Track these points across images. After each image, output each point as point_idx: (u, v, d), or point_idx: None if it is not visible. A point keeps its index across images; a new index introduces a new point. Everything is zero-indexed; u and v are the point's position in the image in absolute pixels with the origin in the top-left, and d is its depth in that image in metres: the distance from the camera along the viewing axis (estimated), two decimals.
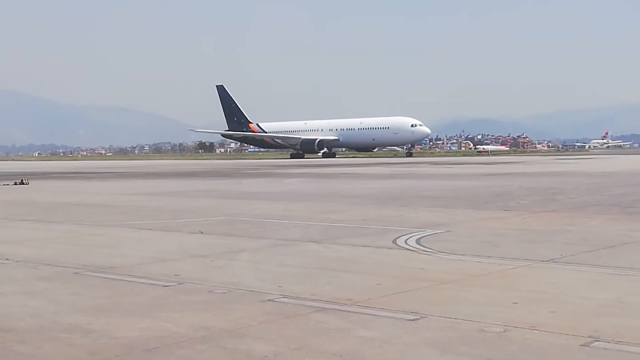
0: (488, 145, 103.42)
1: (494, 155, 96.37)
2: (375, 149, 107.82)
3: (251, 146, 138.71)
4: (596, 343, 5.23)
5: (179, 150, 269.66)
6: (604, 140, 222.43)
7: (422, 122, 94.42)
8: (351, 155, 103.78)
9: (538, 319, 5.95)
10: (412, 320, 5.99)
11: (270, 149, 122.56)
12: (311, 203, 18.85)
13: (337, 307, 6.50)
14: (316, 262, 9.21)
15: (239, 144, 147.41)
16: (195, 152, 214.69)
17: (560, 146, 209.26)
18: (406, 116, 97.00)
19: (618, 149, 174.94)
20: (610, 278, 7.74)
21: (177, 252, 10.15)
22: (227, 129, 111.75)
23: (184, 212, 16.48)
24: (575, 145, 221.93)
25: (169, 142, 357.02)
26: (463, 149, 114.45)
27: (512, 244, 10.42)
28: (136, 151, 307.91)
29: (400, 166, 50.82)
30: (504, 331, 5.59)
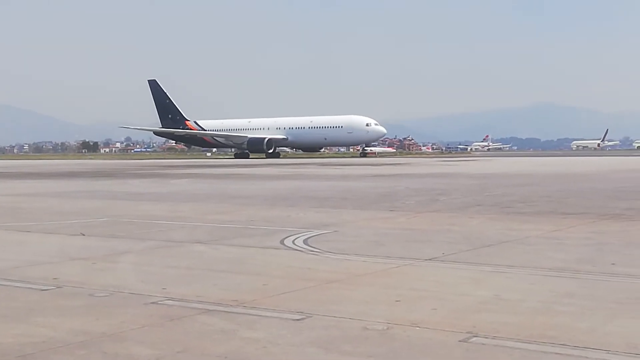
0: (375, 146, 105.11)
1: (381, 156, 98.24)
2: (322, 149, 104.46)
3: (193, 146, 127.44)
4: (474, 338, 5.40)
5: (61, 150, 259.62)
6: (485, 143, 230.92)
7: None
8: (297, 155, 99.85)
9: (419, 316, 6.09)
10: (298, 320, 6.00)
11: (210, 148, 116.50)
12: (199, 204, 18.63)
13: (222, 308, 6.44)
14: (202, 263, 9.10)
15: (174, 142, 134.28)
16: (79, 152, 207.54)
17: (444, 148, 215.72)
18: (359, 115, 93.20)
19: (498, 152, 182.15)
20: (488, 275, 8.02)
21: (56, 255, 9.78)
22: (161, 126, 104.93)
23: (65, 214, 15.93)
24: (458, 147, 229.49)
25: (50, 141, 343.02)
26: (351, 150, 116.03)
27: (396, 243, 10.63)
28: (15, 150, 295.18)
29: (289, 167, 51.00)
30: (387, 329, 5.69)
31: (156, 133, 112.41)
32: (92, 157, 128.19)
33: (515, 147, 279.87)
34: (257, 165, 56.88)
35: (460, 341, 5.34)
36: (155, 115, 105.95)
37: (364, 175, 36.49)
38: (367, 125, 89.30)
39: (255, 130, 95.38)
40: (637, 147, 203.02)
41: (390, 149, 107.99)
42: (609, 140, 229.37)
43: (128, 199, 20.74)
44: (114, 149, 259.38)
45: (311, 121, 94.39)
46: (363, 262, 9.01)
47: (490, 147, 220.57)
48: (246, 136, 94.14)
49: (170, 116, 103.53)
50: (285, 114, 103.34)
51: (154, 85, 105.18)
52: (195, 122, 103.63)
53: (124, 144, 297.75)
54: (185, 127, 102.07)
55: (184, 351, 5.14)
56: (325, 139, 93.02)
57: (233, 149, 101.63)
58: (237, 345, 5.29)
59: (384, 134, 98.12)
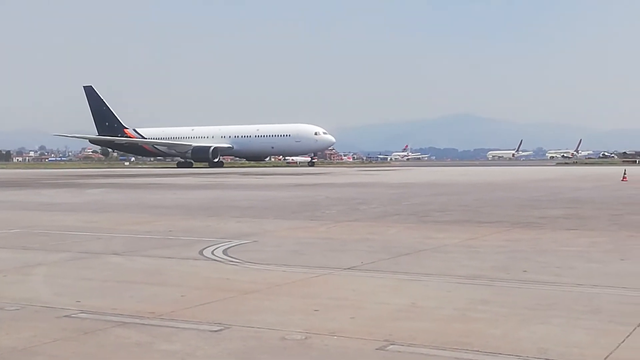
0: (296, 156, 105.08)
1: (302, 166, 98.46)
2: (267, 158, 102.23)
3: (136, 155, 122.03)
4: (391, 346, 5.46)
5: None
6: (404, 153, 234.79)
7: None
8: (242, 164, 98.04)
9: (338, 325, 6.12)
10: (216, 331, 5.95)
11: (129, 157, 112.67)
12: (115, 214, 18.26)
13: (138, 320, 6.32)
14: (118, 275, 8.91)
15: (113, 150, 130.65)
16: None
17: (365, 158, 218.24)
18: (308, 123, 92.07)
19: (417, 161, 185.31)
20: (406, 284, 8.13)
21: None
22: (97, 134, 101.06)
23: None
24: (378, 157, 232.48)
25: None
26: (273, 160, 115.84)
27: (316, 253, 10.67)
28: None
29: (210, 176, 50.58)
30: (305, 338, 5.69)
31: (92, 141, 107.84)
32: (5, 165, 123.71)
33: (434, 157, 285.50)
34: (178, 175, 56.21)
35: (377, 349, 5.39)
36: (92, 122, 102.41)
37: (285, 184, 36.53)
38: (315, 134, 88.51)
39: (199, 139, 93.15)
40: (550, 157, 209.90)
41: (309, 159, 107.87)
42: (523, 151, 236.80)
43: (41, 210, 20.14)
44: (27, 158, 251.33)
45: (257, 129, 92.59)
46: (283, 272, 9.00)
47: (409, 157, 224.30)
48: (190, 145, 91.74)
49: (107, 124, 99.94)
50: (227, 123, 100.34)
51: (89, 91, 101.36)
52: (134, 130, 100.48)
53: (38, 152, 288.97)
54: (123, 135, 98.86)
55: None
56: (273, 147, 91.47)
57: (175, 158, 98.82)
58: (153, 358, 5.20)
59: (333, 143, 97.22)
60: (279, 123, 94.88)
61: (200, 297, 7.35)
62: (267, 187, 34.28)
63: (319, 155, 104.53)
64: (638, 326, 5.99)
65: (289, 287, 7.99)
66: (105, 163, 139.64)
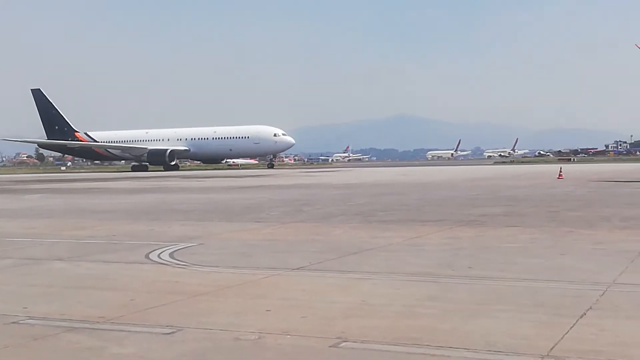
0: (238, 159, 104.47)
1: (244, 168, 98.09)
2: (224, 161, 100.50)
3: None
4: (344, 344, 5.54)
5: None
6: (346, 154, 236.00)
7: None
8: (198, 167, 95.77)
9: (290, 324, 6.18)
10: (168, 333, 5.93)
11: (65, 162, 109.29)
12: (55, 219, 17.94)
13: (88, 325, 6.26)
14: (64, 280, 8.78)
15: (64, 155, 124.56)
16: None
17: (306, 159, 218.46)
18: (266, 125, 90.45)
19: (358, 162, 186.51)
20: (354, 282, 8.23)
21: None
22: (47, 138, 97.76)
23: None
24: (319, 158, 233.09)
25: None
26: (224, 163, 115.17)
27: (264, 254, 10.70)
28: None
29: (151, 180, 50.00)
30: (259, 338, 5.73)
31: (42, 146, 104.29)
32: None
33: (375, 158, 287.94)
34: (118, 179, 55.41)
35: (330, 347, 5.47)
36: (40, 126, 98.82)
37: (227, 187, 36.36)
38: (275, 135, 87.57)
39: (154, 142, 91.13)
40: (488, 156, 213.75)
41: (252, 161, 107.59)
42: (461, 150, 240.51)
43: None
44: None
45: (215, 132, 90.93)
46: (231, 273, 9.01)
47: (350, 157, 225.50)
48: (146, 148, 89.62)
49: (57, 127, 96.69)
50: (181, 126, 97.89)
51: (38, 94, 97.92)
52: (86, 134, 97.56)
53: None
54: (74, 138, 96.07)
55: None
56: (231, 150, 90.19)
57: (130, 162, 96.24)
58: None
59: (293, 144, 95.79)
60: (232, 125, 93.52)
61: (149, 301, 7.31)
62: (209, 189, 34.06)
63: (260, 157, 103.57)
64: (580, 317, 6.20)
65: (238, 288, 8.01)
66: (41, 168, 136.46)
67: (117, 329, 6.13)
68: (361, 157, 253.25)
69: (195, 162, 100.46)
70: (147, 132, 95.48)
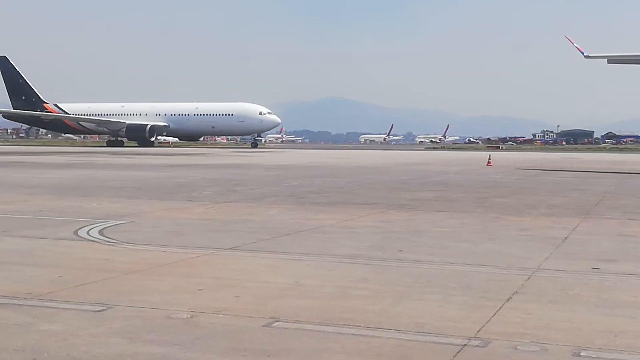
0: (169, 137, 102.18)
1: (175, 146, 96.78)
2: (202, 138, 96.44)
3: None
4: (276, 323, 5.58)
5: None
6: (279, 135, 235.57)
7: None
8: (177, 144, 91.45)
9: (223, 303, 6.18)
10: (98, 311, 5.86)
11: (72, 135, 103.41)
12: None
13: (16, 301, 6.14)
14: None
15: (31, 127, 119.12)
16: None
17: (239, 139, 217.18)
18: (247, 102, 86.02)
19: (291, 144, 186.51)
20: (288, 263, 8.27)
21: None
22: (12, 109, 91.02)
23: None
24: (253, 138, 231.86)
25: None
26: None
27: (196, 234, 10.63)
28: None
29: (77, 156, 48.93)
30: (191, 317, 5.72)
31: (6, 116, 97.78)
32: None
33: (307, 140, 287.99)
34: (45, 153, 54.01)
35: (263, 326, 5.49)
36: (5, 96, 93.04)
37: (159, 165, 35.89)
38: (260, 113, 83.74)
39: (130, 116, 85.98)
40: (419, 142, 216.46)
41: (173, 139, 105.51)
42: (394, 135, 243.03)
43: None
44: None
45: (197, 107, 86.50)
46: (163, 252, 8.93)
47: (283, 139, 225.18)
48: (124, 122, 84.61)
49: (24, 97, 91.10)
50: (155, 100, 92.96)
51: (3, 62, 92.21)
52: (55, 105, 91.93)
53: None
54: (43, 109, 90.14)
55: None
56: (213, 127, 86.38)
57: (105, 136, 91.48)
58: (35, 338, 5.08)
59: (279, 123, 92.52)
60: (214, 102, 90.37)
61: (78, 278, 7.19)
62: (139, 167, 33.56)
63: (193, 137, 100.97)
64: (506, 301, 6.39)
65: (170, 267, 7.95)
66: None
67: (45, 306, 6.03)
68: (294, 138, 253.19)
69: (169, 138, 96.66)
70: (123, 106, 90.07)
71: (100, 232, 10.54)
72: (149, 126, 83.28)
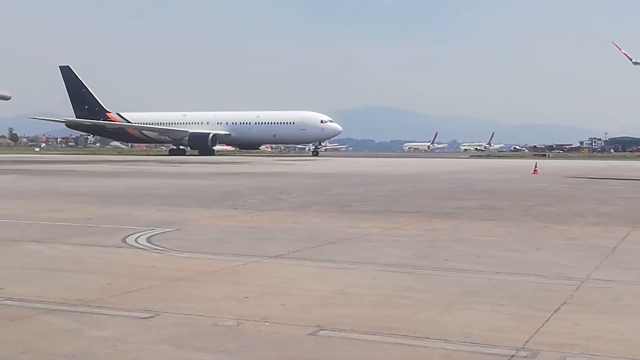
0: (300, 144, 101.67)
1: (220, 155, 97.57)
2: (261, 147, 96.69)
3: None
4: (322, 332, 5.58)
5: None
6: (323, 143, 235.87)
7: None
8: (237, 153, 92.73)
9: (268, 311, 6.21)
10: (146, 318, 5.94)
11: (134, 144, 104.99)
12: (30, 201, 17.78)
13: (66, 308, 6.24)
14: (40, 262, 8.73)
15: (93, 135, 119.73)
16: None
17: (283, 147, 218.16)
18: (309, 110, 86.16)
19: (335, 152, 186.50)
20: (332, 271, 8.27)
21: None
22: (75, 117, 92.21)
23: None
24: (296, 147, 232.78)
25: None
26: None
27: (242, 241, 10.70)
28: None
29: (125, 164, 49.68)
30: (237, 324, 5.75)
31: (70, 125, 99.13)
32: None
33: (351, 148, 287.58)
34: (93, 162, 54.96)
35: (309, 334, 5.50)
36: (69, 105, 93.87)
37: (204, 173, 36.24)
38: (322, 122, 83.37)
39: (192, 125, 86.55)
40: (464, 149, 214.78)
41: (229, 147, 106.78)
42: (438, 143, 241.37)
43: None
44: None
45: (258, 116, 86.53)
46: (209, 259, 9.01)
47: (327, 147, 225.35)
48: (187, 131, 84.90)
49: (87, 107, 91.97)
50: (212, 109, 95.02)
51: (66, 72, 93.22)
52: (118, 115, 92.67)
53: None
54: (106, 118, 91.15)
55: (27, 351, 4.95)
56: (275, 135, 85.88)
57: (167, 145, 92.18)
58: (84, 344, 5.16)
59: (340, 132, 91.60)
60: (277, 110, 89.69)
61: (127, 285, 7.30)
62: (185, 175, 33.92)
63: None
64: (555, 312, 6.29)
65: (216, 274, 8.02)
66: (14, 149, 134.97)
67: (94, 312, 6.12)
68: (338, 147, 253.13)
69: (228, 147, 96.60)
70: (184, 115, 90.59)
71: (148, 240, 10.68)
72: (211, 135, 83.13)
